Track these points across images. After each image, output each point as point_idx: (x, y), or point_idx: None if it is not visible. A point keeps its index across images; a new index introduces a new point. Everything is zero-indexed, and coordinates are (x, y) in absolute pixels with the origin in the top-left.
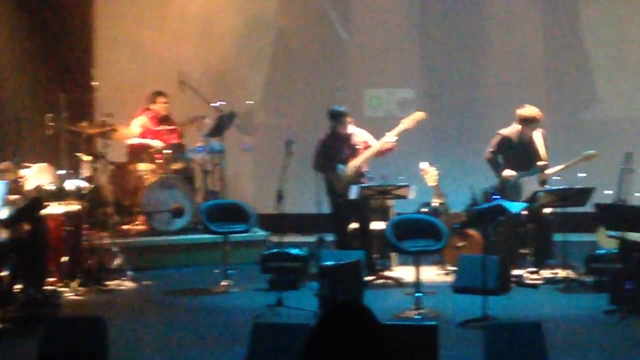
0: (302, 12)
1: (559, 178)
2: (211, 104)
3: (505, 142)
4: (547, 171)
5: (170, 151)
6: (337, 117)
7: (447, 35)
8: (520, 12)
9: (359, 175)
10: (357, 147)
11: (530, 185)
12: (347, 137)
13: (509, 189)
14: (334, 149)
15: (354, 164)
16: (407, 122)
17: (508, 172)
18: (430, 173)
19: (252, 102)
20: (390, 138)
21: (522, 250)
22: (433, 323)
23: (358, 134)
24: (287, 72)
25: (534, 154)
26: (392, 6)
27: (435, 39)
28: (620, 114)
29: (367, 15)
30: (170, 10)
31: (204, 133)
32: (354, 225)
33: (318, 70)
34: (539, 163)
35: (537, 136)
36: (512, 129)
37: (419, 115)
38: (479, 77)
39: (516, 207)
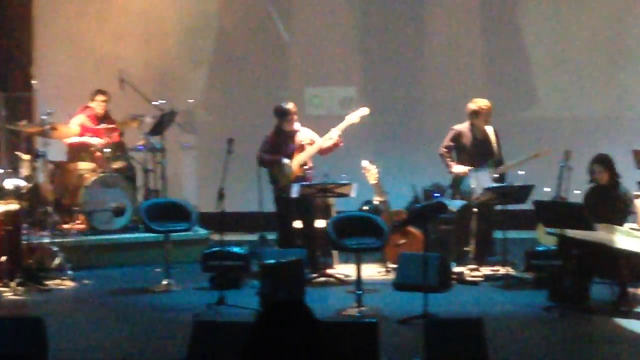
0: (243, 11)
1: (523, 172)
2: (152, 103)
3: (457, 137)
4: (500, 167)
5: (110, 150)
6: (282, 114)
7: (388, 33)
8: (460, 11)
9: (303, 172)
10: (302, 143)
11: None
12: (293, 134)
13: (460, 185)
14: (279, 146)
15: (298, 160)
16: (351, 118)
17: (459, 168)
18: (371, 171)
19: (193, 100)
20: (334, 134)
21: (465, 248)
22: (373, 320)
23: (304, 132)
24: (228, 70)
25: (487, 150)
26: (333, 5)
27: (375, 38)
28: (559, 112)
29: (308, 14)
30: (112, 7)
31: (145, 132)
32: (297, 224)
33: (259, 69)
34: (495, 159)
35: (491, 132)
36: (465, 125)
37: (363, 110)
38: (419, 75)
39: (455, 204)
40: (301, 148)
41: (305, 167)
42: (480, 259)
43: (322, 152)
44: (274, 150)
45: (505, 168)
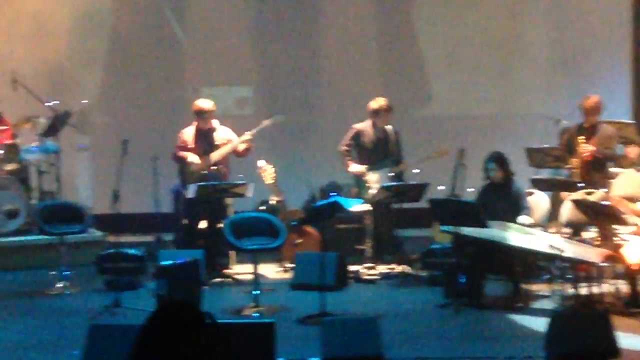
0: (137, 10)
1: (418, 171)
2: (45, 104)
3: (358, 135)
4: (396, 167)
5: (3, 152)
6: (198, 112)
7: (283, 32)
8: (354, 11)
9: (213, 171)
10: (217, 143)
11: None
12: (208, 132)
13: (358, 184)
14: (190, 143)
15: (210, 159)
16: (266, 123)
17: (356, 167)
18: (267, 171)
19: (87, 101)
20: (246, 136)
21: (360, 246)
22: (270, 320)
23: (222, 131)
24: (123, 71)
25: (387, 149)
26: (228, 4)
27: (271, 37)
28: (454, 111)
29: (203, 13)
30: (3, 7)
31: (39, 133)
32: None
33: (154, 69)
34: (393, 159)
35: (391, 131)
36: (366, 124)
37: (279, 118)
38: (315, 74)
39: (352, 203)
40: (215, 147)
41: (215, 167)
42: (377, 257)
43: (238, 154)
44: (186, 147)
45: (404, 166)
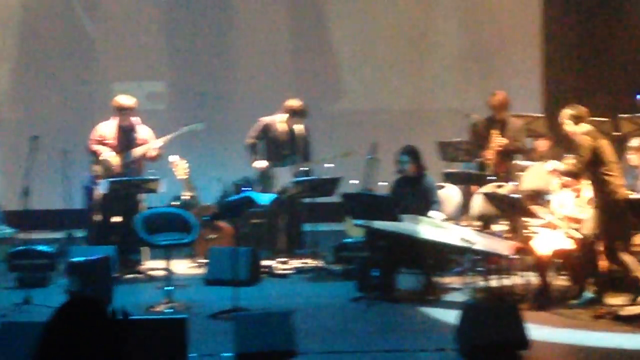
0: (47, 4)
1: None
2: None
3: (266, 130)
4: (307, 162)
5: None
6: (117, 109)
7: (196, 27)
8: (267, 6)
9: (130, 168)
10: (135, 141)
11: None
12: (127, 129)
13: (263, 178)
14: (109, 139)
15: (132, 155)
16: (184, 130)
17: (259, 163)
18: (180, 166)
19: None
20: (160, 143)
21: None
22: (183, 316)
23: (142, 130)
24: (33, 66)
25: (292, 145)
26: None
27: (183, 32)
28: (367, 106)
29: (114, 7)
30: None
31: None
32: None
33: (65, 64)
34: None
35: (301, 127)
36: (274, 118)
37: (199, 126)
38: (227, 69)
39: (265, 198)
40: (132, 145)
41: (129, 165)
42: (290, 252)
43: (148, 158)
44: (103, 142)
45: (311, 164)
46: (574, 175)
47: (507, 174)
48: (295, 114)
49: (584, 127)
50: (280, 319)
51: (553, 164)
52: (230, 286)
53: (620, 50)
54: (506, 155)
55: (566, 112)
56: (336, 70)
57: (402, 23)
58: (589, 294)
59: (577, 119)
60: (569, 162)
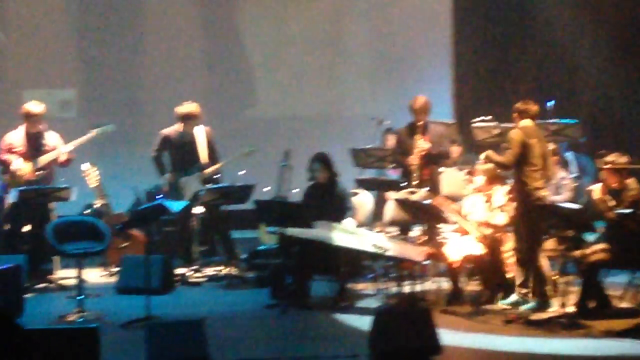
0: None
1: (244, 172)
2: None
3: (167, 141)
4: (207, 170)
5: None
6: (28, 115)
7: (107, 35)
8: (178, 13)
9: (37, 176)
10: (43, 148)
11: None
12: (35, 136)
13: (172, 190)
14: (18, 146)
15: (39, 162)
16: (93, 134)
17: (166, 177)
18: (92, 174)
19: None
20: (70, 147)
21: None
22: (94, 325)
23: (51, 136)
24: None
25: (195, 154)
26: (50, 6)
27: (95, 39)
28: (279, 112)
29: (25, 14)
30: None
31: None
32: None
33: None
34: (201, 163)
35: (201, 135)
36: (173, 128)
37: (108, 128)
38: (140, 77)
39: (178, 206)
40: (41, 152)
41: (40, 172)
42: (205, 259)
43: (59, 164)
44: (11, 150)
45: (214, 169)
46: (505, 167)
47: (431, 179)
48: (189, 119)
49: (525, 122)
50: (193, 327)
51: (487, 153)
52: (142, 295)
53: (530, 57)
54: (430, 160)
55: (515, 106)
56: (249, 77)
57: (314, 30)
58: (515, 296)
59: (521, 114)
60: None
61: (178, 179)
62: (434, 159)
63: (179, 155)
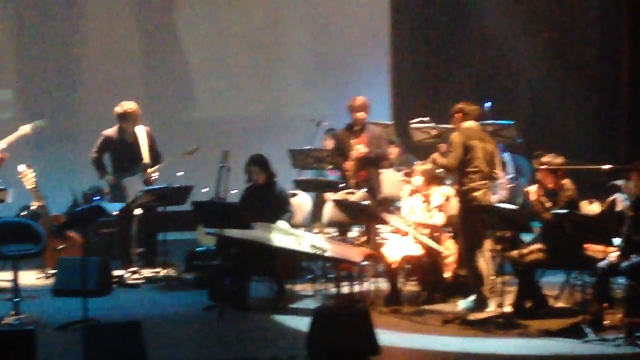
0: None
1: (182, 173)
2: None
3: (107, 142)
4: (149, 170)
5: None
6: None
7: (44, 34)
8: (116, 13)
9: None
10: None
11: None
12: None
13: (114, 191)
14: None
15: None
16: (24, 129)
17: (107, 177)
18: (28, 176)
19: None
20: (2, 145)
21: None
22: (30, 328)
23: None
24: None
25: (137, 154)
26: None
27: (31, 39)
28: (217, 113)
29: None
30: None
31: None
32: None
33: None
34: (145, 162)
35: (142, 135)
36: (114, 129)
37: (40, 124)
38: (77, 78)
39: (115, 207)
40: None
41: None
42: (142, 261)
43: None
44: None
45: (155, 170)
46: (448, 170)
47: (367, 182)
48: (128, 118)
49: (468, 124)
50: (130, 329)
51: (433, 156)
52: (79, 297)
53: (468, 59)
54: (367, 162)
55: (458, 107)
56: (187, 78)
57: (252, 31)
58: (470, 299)
59: (465, 115)
60: (440, 159)
61: (120, 179)
62: (371, 162)
63: (121, 155)
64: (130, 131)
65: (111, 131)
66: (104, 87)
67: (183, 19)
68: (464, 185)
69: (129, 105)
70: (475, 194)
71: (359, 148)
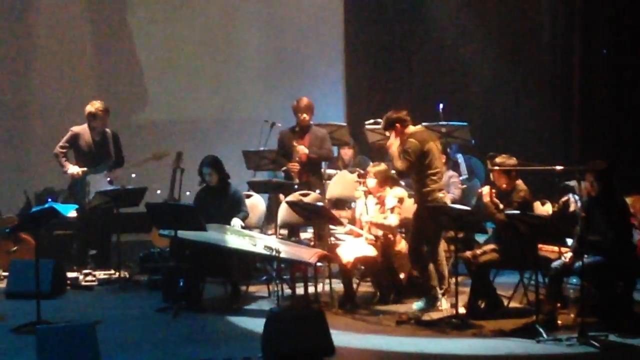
0: None
1: (134, 175)
2: None
3: (75, 138)
4: (115, 169)
5: None
6: None
7: None
8: (67, 12)
9: None
10: None
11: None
12: None
13: (76, 187)
14: None
15: None
16: None
17: (74, 169)
18: None
19: None
20: None
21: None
22: None
23: None
24: None
25: (102, 153)
26: None
27: None
28: (171, 115)
29: None
30: None
31: None
32: None
33: None
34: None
35: (109, 134)
36: (83, 127)
37: None
38: (28, 78)
39: (68, 209)
40: None
41: None
42: (97, 263)
43: None
44: None
45: (121, 170)
46: (403, 175)
47: (308, 183)
48: (96, 117)
49: (412, 129)
50: (84, 332)
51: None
52: (33, 299)
53: (421, 60)
54: (310, 164)
55: (390, 119)
56: (140, 79)
57: (206, 32)
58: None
59: (403, 123)
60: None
61: (87, 174)
62: (314, 164)
63: (86, 154)
64: (98, 130)
65: (80, 128)
66: (56, 88)
67: (137, 19)
68: (426, 187)
69: (99, 105)
70: (440, 194)
71: (301, 149)
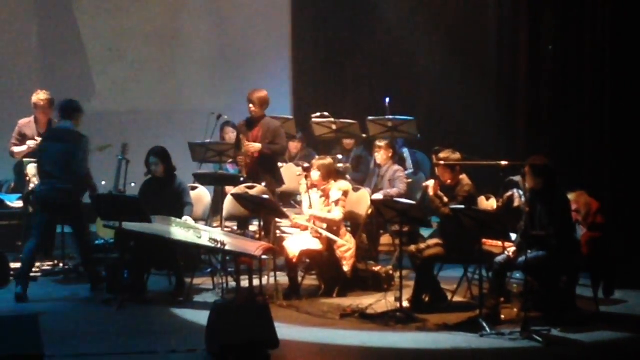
0: None
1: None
2: None
3: (24, 130)
4: None
5: None
6: None
7: None
8: (15, 3)
9: None
10: None
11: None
12: None
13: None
14: None
15: None
16: None
17: (30, 142)
18: None
19: None
20: None
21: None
22: None
23: None
24: None
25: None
26: None
27: None
28: (117, 106)
29: None
30: None
31: None
32: None
33: None
34: None
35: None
36: (30, 118)
37: None
38: None
39: (12, 198)
40: None
41: None
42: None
43: None
44: None
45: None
46: None
47: (262, 176)
48: (38, 108)
49: None
50: (27, 322)
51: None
52: None
53: (369, 54)
54: (263, 158)
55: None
56: (85, 70)
57: (152, 23)
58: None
59: None
60: None
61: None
62: (266, 158)
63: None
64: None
65: (26, 121)
66: (1, 78)
67: (82, 8)
68: None
69: (41, 95)
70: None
71: (253, 145)
